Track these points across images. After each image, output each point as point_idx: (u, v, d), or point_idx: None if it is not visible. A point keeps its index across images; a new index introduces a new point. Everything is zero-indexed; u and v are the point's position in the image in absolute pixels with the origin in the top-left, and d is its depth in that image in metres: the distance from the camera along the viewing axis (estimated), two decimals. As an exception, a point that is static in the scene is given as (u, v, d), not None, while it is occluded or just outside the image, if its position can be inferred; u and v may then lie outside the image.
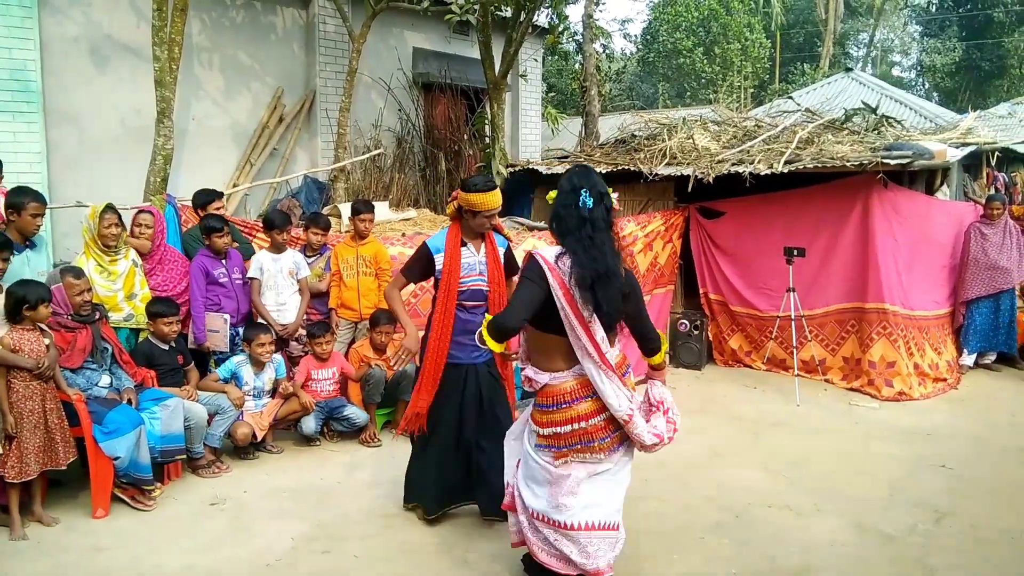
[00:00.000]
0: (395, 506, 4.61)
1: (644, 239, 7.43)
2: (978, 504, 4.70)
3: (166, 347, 5.28)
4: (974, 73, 31.15)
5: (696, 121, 9.19)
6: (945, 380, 7.36)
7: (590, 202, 3.25)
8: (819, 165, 6.97)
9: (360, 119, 9.77)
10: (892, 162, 6.61)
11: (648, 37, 31.00)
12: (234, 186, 8.77)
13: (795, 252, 6.98)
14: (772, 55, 28.75)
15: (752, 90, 25.88)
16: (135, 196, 6.78)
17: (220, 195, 6.37)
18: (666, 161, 8.06)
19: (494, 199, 4.07)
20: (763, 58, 27.88)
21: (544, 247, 3.47)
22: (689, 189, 7.56)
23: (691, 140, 8.36)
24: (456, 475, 4.31)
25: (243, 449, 5.45)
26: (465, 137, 10.42)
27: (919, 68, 35.31)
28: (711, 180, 7.45)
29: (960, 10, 32.03)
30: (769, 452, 5.62)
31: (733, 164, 7.51)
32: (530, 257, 3.30)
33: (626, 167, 8.19)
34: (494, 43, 9.67)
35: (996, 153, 9.53)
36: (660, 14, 29.14)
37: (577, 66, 16.82)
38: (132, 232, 5.53)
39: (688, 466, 5.25)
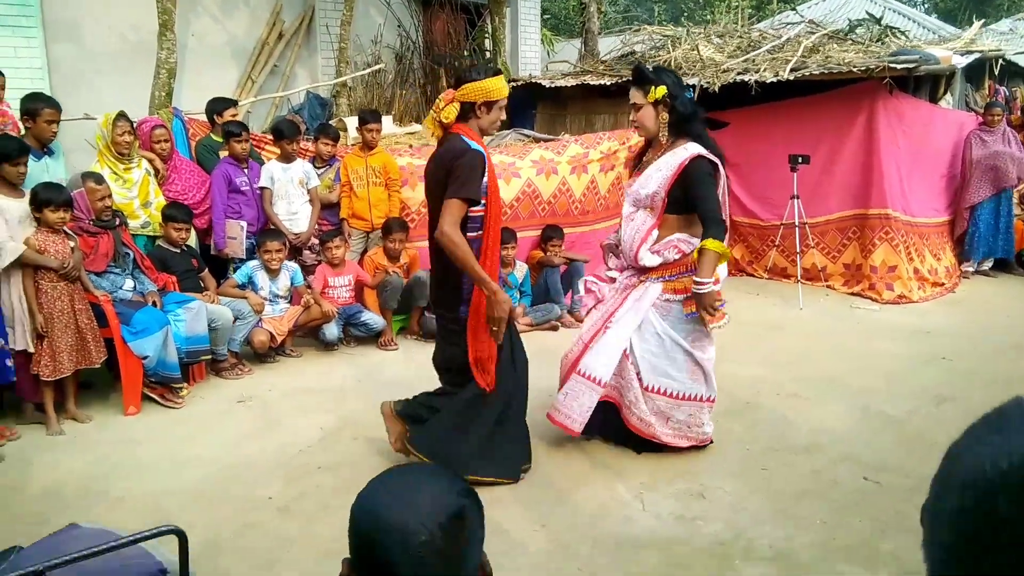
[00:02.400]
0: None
1: (627, 153, 7.31)
2: (976, 391, 4.89)
3: (178, 250, 5.37)
4: (974, -9, 30.61)
5: (700, 33, 9.12)
6: (943, 285, 7.53)
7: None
8: (825, 72, 6.98)
9: (360, 35, 9.63)
10: (899, 66, 6.64)
11: (644, -44, 30.25)
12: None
13: (800, 159, 7.04)
14: (773, -28, 28.08)
15: (750, 10, 25.40)
16: (139, 111, 6.74)
17: (234, 103, 6.38)
18: (671, 72, 8.04)
19: (505, 84, 3.58)
20: (762, -25, 27.25)
21: (694, 147, 3.64)
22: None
23: (696, 51, 8.32)
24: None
25: (263, 353, 5.59)
26: (465, 53, 10.31)
27: (919, -14, 34.66)
28: (716, 90, 7.45)
29: (962, -75, 31.32)
30: (774, 351, 5.80)
31: (739, 73, 7.51)
32: (702, 159, 3.60)
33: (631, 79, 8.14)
34: (494, -45, 9.50)
35: (999, 64, 9.51)
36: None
37: (574, -16, 16.46)
38: (152, 148, 5.58)
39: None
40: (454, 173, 3.31)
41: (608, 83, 8.44)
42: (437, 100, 3.51)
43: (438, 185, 3.41)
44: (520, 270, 6.51)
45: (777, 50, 7.97)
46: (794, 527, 3.32)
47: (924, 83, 7.73)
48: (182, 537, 1.69)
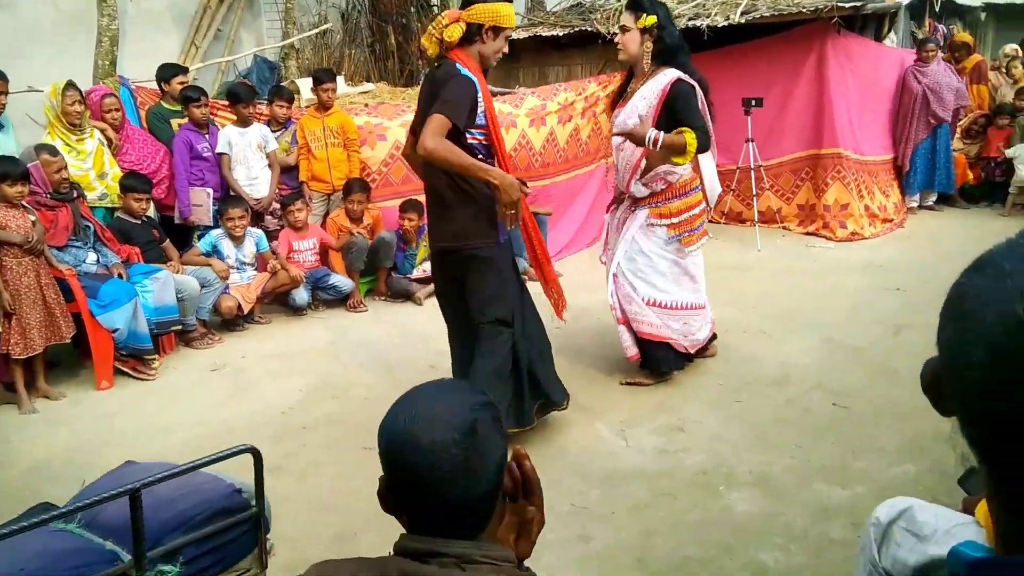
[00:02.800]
0: (393, 359, 4.81)
1: (584, 103, 7.36)
2: (932, 318, 4.80)
3: (138, 221, 5.29)
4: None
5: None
6: (892, 220, 7.77)
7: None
8: (775, 13, 7.06)
9: (303, -5, 9.43)
10: (846, 5, 6.74)
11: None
12: (181, 70, 8.48)
13: (753, 102, 7.12)
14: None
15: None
16: (82, 82, 6.52)
17: (185, 70, 6.25)
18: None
19: (514, 16, 3.40)
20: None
21: (672, 72, 3.83)
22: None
23: (645, -1, 8.31)
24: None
25: (232, 321, 5.55)
26: (412, 9, 10.15)
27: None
28: (668, 36, 7.48)
29: None
30: (737, 291, 5.92)
31: (690, 19, 7.54)
32: (682, 81, 3.81)
33: (584, 28, 8.15)
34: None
35: (939, 1, 9.71)
36: None
37: (516, -64, 16.22)
38: (103, 118, 5.46)
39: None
40: (440, 93, 3.17)
41: (560, 34, 8.41)
42: (439, 17, 3.30)
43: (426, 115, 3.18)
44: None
45: (726, -6, 8.01)
46: (772, 453, 3.47)
47: (870, 22, 7.88)
48: (257, 455, 1.73)
